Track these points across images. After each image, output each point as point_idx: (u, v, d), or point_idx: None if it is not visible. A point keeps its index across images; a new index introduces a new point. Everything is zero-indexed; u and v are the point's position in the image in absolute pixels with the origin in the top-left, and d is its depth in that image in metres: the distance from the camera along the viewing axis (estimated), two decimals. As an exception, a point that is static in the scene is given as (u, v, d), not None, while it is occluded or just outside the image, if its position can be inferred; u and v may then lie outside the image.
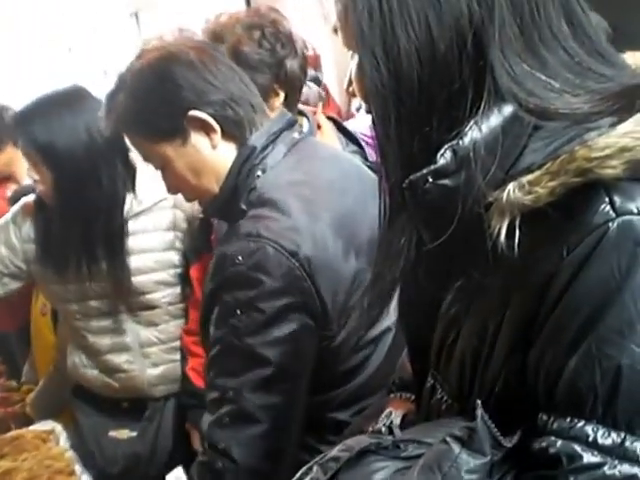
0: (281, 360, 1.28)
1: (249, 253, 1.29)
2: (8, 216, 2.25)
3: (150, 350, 2.19)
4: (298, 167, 1.43)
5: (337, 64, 8.08)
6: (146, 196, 2.10)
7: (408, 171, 0.80)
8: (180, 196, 2.13)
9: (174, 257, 2.14)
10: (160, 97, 1.39)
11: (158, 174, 1.51)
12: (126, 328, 2.17)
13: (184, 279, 2.15)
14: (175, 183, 1.47)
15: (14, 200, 2.57)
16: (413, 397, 1.09)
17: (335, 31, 0.92)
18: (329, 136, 2.04)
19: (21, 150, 2.07)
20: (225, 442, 1.29)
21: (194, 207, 2.12)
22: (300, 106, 2.05)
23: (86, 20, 10.48)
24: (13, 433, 2.27)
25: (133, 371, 2.19)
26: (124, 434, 2.23)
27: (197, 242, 2.05)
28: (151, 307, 2.15)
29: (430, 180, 0.78)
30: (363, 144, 2.41)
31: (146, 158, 1.49)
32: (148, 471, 2.23)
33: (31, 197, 2.22)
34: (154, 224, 2.12)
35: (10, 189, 3.18)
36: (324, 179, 1.44)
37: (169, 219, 2.13)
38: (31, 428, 2.35)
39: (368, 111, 0.92)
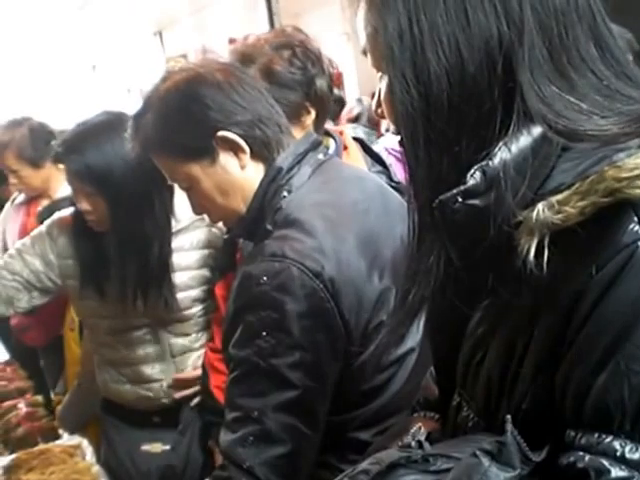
0: (305, 381, 1.29)
1: (274, 274, 1.29)
2: (43, 230, 2.25)
3: (183, 358, 2.22)
4: (323, 188, 1.44)
5: (360, 83, 8.11)
6: (183, 215, 2.12)
7: (437, 191, 0.82)
8: None
9: (207, 274, 2.18)
10: (188, 117, 1.40)
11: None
12: (159, 338, 2.20)
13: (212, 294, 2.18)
14: (202, 203, 1.48)
15: (43, 215, 2.61)
16: (437, 416, 1.09)
17: (364, 53, 0.93)
18: (355, 157, 2.05)
19: (72, 180, 2.05)
20: (250, 461, 1.29)
21: None
22: (327, 127, 2.07)
23: (110, 38, 10.60)
24: (41, 447, 2.28)
25: (167, 380, 2.21)
26: (157, 448, 2.24)
27: (222, 261, 2.07)
28: (184, 320, 2.19)
29: (460, 200, 0.79)
30: (393, 160, 2.43)
31: (173, 178, 1.50)
32: None
33: (66, 212, 2.24)
34: (191, 242, 2.16)
35: (42, 205, 3.23)
36: (348, 200, 1.45)
37: (204, 237, 2.17)
38: (58, 443, 2.35)
39: (397, 132, 0.93)
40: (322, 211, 1.38)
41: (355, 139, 2.16)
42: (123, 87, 11.07)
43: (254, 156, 1.42)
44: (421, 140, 0.83)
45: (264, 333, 1.28)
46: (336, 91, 3.65)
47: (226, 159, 1.41)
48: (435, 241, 0.85)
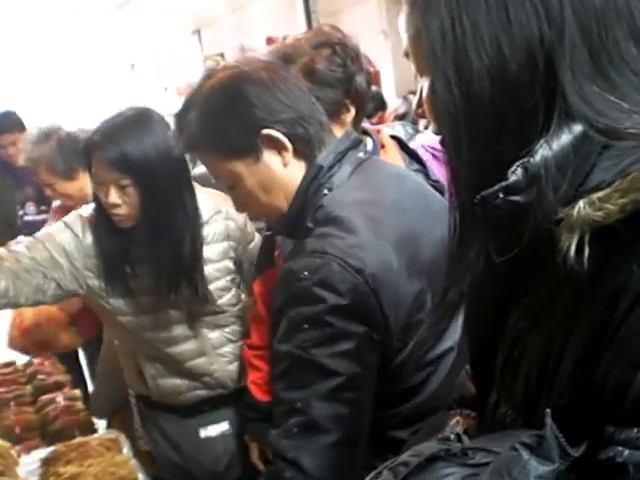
0: (348, 371, 1.30)
1: (315, 269, 1.30)
2: (64, 230, 2.19)
3: (224, 350, 2.26)
4: (363, 186, 1.45)
5: (397, 81, 8.11)
6: (203, 209, 2.16)
7: (479, 189, 0.82)
8: (232, 209, 2.20)
9: (230, 265, 2.25)
10: (233, 115, 1.41)
11: None
12: (196, 334, 2.23)
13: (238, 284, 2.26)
14: (244, 201, 1.50)
15: None
16: (473, 414, 1.10)
17: (406, 55, 0.95)
18: (393, 155, 2.06)
19: (105, 170, 2.02)
20: (294, 452, 1.30)
21: (244, 217, 2.22)
22: (365, 125, 2.09)
23: (149, 37, 10.69)
24: (79, 440, 2.32)
25: (215, 372, 2.26)
26: (215, 430, 2.30)
27: (261, 258, 2.09)
28: (216, 312, 2.22)
29: (501, 196, 0.80)
30: (429, 158, 2.43)
31: (217, 176, 1.51)
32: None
33: (85, 211, 2.22)
34: (212, 235, 2.19)
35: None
36: (389, 198, 1.46)
37: (223, 229, 2.22)
38: (96, 436, 2.40)
39: (438, 132, 0.94)
40: (362, 209, 1.39)
41: (392, 137, 2.17)
42: (161, 85, 11.19)
43: (296, 154, 1.44)
44: (463, 139, 0.84)
45: (305, 326, 1.30)
46: (374, 88, 3.66)
47: (269, 157, 1.43)
48: (475, 238, 0.86)
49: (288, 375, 1.34)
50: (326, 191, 1.42)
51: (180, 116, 1.51)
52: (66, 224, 2.19)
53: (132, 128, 2.01)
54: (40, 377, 3.03)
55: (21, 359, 3.32)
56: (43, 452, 2.30)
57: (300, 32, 4.60)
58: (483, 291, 0.90)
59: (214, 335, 2.25)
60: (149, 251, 2.08)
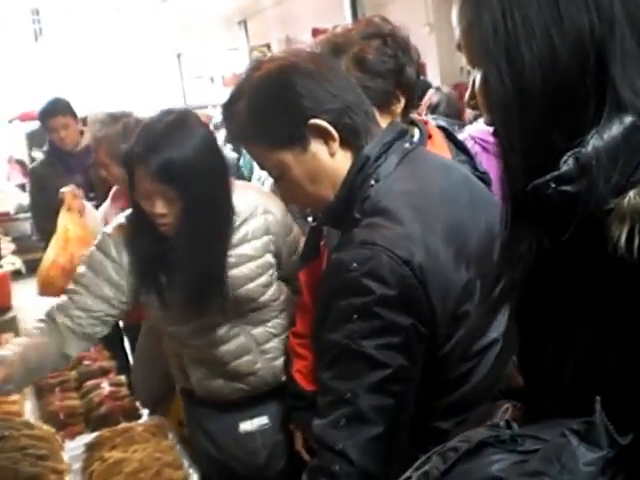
0: (395, 363, 1.30)
1: (364, 260, 1.30)
2: (98, 253, 2.16)
3: (268, 346, 2.25)
4: (410, 177, 1.44)
5: (442, 73, 8.08)
6: (241, 207, 2.16)
7: (531, 179, 0.83)
8: (268, 201, 2.21)
9: (270, 259, 2.23)
10: (281, 105, 1.42)
11: None
12: (239, 332, 2.22)
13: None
14: (291, 191, 1.50)
15: None
16: (519, 405, 1.11)
17: (459, 48, 0.96)
18: (440, 145, 2.05)
19: (150, 181, 1.99)
20: (342, 443, 1.30)
21: (282, 208, 2.23)
22: (412, 115, 2.09)
23: (196, 28, 10.76)
24: (124, 426, 2.34)
25: (259, 370, 2.25)
26: (254, 424, 2.30)
27: (306, 247, 2.11)
28: (260, 308, 2.23)
29: (552, 186, 0.81)
30: (479, 149, 2.42)
31: (264, 166, 1.52)
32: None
33: (114, 226, 2.19)
34: (252, 232, 2.18)
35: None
36: (436, 189, 1.45)
37: (262, 224, 2.20)
38: (140, 422, 2.42)
39: (491, 123, 0.95)
40: (410, 200, 1.39)
41: (439, 127, 2.16)
42: (207, 76, 11.25)
43: (343, 144, 1.44)
44: (515, 130, 0.85)
45: (354, 316, 1.30)
46: (422, 78, 3.65)
47: (317, 147, 1.43)
48: (527, 228, 0.87)
49: (336, 365, 1.33)
50: (373, 182, 1.42)
51: (228, 107, 1.52)
52: (103, 253, 2.15)
53: (173, 136, 1.99)
54: (85, 363, 3.04)
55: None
56: (87, 437, 2.33)
57: (346, 23, 4.60)
58: (533, 282, 0.90)
59: (258, 331, 2.24)
60: (184, 259, 2.06)
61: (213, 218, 2.06)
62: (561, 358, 0.91)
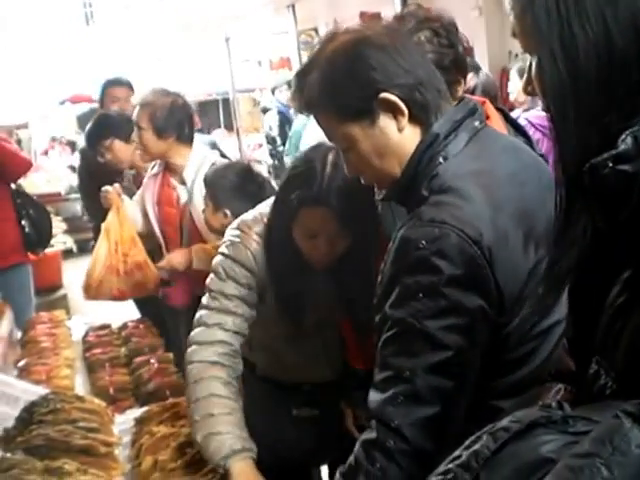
0: (458, 345, 1.30)
1: (433, 238, 1.30)
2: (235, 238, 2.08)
3: (333, 342, 2.22)
4: (480, 156, 1.43)
5: (490, 58, 7.98)
6: None
7: (585, 162, 0.83)
8: None
9: None
10: (352, 78, 1.42)
11: None
12: (318, 333, 2.18)
13: None
14: (357, 165, 1.50)
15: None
16: (569, 388, 1.10)
17: (514, 34, 0.95)
18: (498, 127, 2.02)
19: None
20: (399, 420, 1.31)
21: None
22: (468, 96, 2.08)
23: (243, 11, 10.76)
24: (172, 401, 2.40)
25: (322, 363, 2.24)
26: (307, 412, 2.30)
27: None
28: None
29: (610, 165, 0.80)
30: (540, 136, 2.39)
31: (331, 138, 1.52)
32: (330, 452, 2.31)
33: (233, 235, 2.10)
34: None
35: (174, 178, 3.39)
36: (505, 170, 1.44)
37: None
38: (187, 397, 2.48)
39: (546, 108, 0.94)
40: (479, 180, 1.38)
41: (497, 109, 2.15)
42: (255, 60, 11.29)
43: (412, 119, 1.43)
44: (570, 113, 0.85)
45: (420, 295, 1.30)
46: (469, 59, 3.62)
47: (385, 121, 1.43)
48: (583, 210, 0.87)
49: (398, 342, 1.34)
50: (441, 160, 1.41)
51: (301, 77, 1.52)
52: (241, 265, 2.03)
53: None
54: (134, 340, 3.12)
55: (116, 322, 3.44)
56: (137, 412, 2.39)
57: (394, 7, 4.55)
58: (589, 265, 0.90)
59: (329, 334, 2.20)
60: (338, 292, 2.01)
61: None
62: (614, 340, 0.90)
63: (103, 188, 3.52)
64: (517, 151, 1.57)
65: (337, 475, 1.42)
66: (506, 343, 1.38)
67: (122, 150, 3.77)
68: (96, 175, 3.96)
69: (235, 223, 2.12)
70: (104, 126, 3.79)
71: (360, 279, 1.86)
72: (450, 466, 0.83)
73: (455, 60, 1.87)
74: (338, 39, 1.47)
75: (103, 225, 3.48)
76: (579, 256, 0.88)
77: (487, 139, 1.48)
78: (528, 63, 0.98)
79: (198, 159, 3.30)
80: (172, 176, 3.38)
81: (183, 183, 3.31)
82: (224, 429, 1.87)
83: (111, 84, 4.52)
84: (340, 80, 1.43)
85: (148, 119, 3.23)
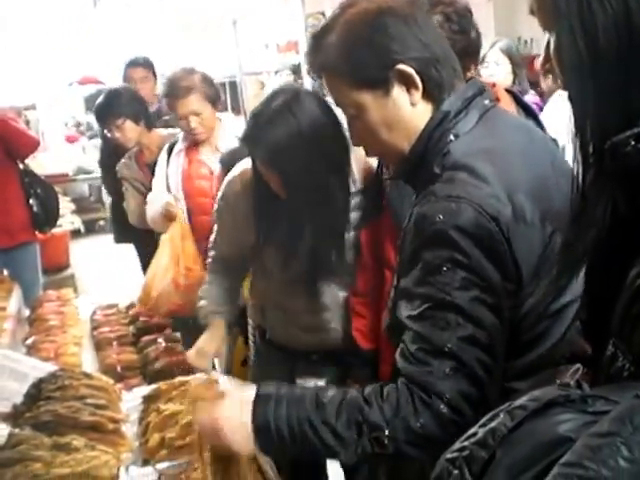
0: (488, 318, 1.30)
1: (450, 213, 1.30)
2: (221, 204, 2.45)
3: (346, 310, 2.27)
4: (490, 134, 1.42)
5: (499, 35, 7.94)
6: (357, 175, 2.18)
7: (605, 141, 0.82)
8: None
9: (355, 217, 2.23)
10: (371, 46, 1.40)
11: None
12: (326, 290, 2.27)
13: None
14: (363, 135, 1.49)
15: (225, 161, 2.80)
16: (585, 370, 1.10)
17: (532, 12, 0.95)
18: (508, 109, 2.03)
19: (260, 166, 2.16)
20: (449, 394, 1.30)
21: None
22: (478, 78, 2.07)
23: (252, -6, 10.75)
24: (180, 379, 2.39)
25: (332, 330, 2.29)
26: (311, 382, 2.32)
27: (366, 207, 2.10)
28: (350, 272, 2.25)
29: (632, 143, 0.79)
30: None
31: (340, 104, 1.50)
32: None
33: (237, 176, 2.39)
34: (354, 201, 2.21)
35: (200, 152, 3.40)
36: (518, 148, 1.43)
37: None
38: (196, 376, 2.46)
39: (565, 87, 0.93)
40: (492, 158, 1.37)
41: (507, 91, 2.14)
42: (262, 42, 11.23)
43: (425, 95, 1.42)
44: (589, 92, 0.84)
45: (444, 269, 1.30)
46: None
47: (398, 93, 1.41)
48: (602, 190, 0.86)
49: (432, 317, 1.33)
50: (452, 137, 1.40)
51: (317, 38, 1.50)
52: (227, 204, 2.42)
53: (276, 122, 2.04)
54: (142, 319, 3.14)
55: (123, 302, 3.45)
56: (145, 390, 2.39)
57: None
58: (607, 245, 0.89)
59: (343, 294, 2.27)
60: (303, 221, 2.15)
61: (323, 211, 2.09)
62: (632, 321, 0.90)
63: (164, 201, 3.44)
64: (527, 129, 1.56)
65: (364, 391, 1.37)
66: (523, 321, 1.38)
67: (132, 130, 3.77)
68: (119, 151, 3.96)
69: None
70: (117, 105, 3.77)
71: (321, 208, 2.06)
72: (466, 443, 0.83)
73: (466, 47, 1.86)
74: (359, 4, 1.44)
75: (164, 236, 3.39)
76: (597, 237, 0.87)
77: (497, 118, 1.47)
78: (546, 40, 0.97)
79: (229, 128, 3.36)
80: (202, 148, 3.39)
81: (215, 153, 3.32)
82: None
83: (128, 65, 4.53)
84: (358, 46, 1.41)
85: (200, 99, 3.25)
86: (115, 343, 2.90)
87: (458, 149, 1.38)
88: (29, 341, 2.92)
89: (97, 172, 11.15)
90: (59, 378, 2.24)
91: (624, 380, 0.90)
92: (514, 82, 4.24)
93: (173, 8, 11.93)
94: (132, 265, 4.53)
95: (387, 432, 1.32)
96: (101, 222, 11.26)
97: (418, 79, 1.40)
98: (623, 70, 0.81)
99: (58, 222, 4.91)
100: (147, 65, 4.55)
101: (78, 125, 13.36)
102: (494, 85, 2.09)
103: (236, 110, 10.40)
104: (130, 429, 2.16)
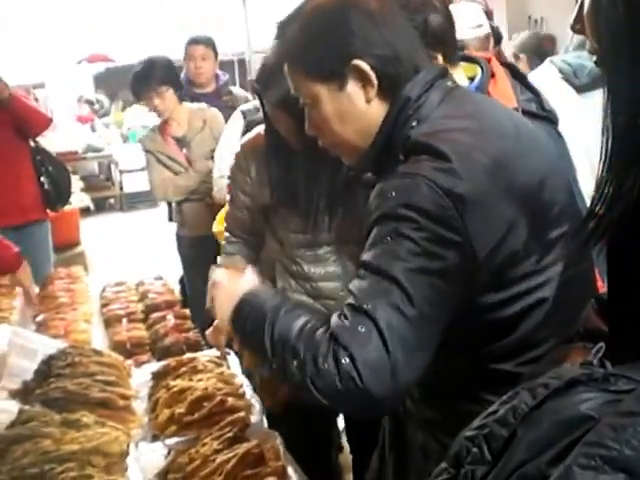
0: (420, 290, 1.27)
1: (403, 188, 1.31)
2: (232, 167, 2.53)
3: None
4: (454, 114, 1.42)
5: (509, 19, 7.87)
6: None
7: (637, 111, 0.80)
8: None
9: None
10: (330, 38, 1.41)
11: None
12: (337, 259, 2.32)
13: None
14: (317, 124, 1.49)
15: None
16: (599, 347, 1.08)
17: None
18: (503, 84, 1.99)
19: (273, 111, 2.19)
20: (356, 351, 1.26)
21: None
22: (474, 54, 2.03)
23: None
24: (189, 356, 2.42)
25: (341, 298, 2.27)
26: None
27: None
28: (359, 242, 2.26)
29: None
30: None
31: (297, 90, 1.50)
32: None
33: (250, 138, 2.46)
34: None
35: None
36: (481, 125, 1.42)
37: None
38: (205, 352, 2.50)
39: (596, 51, 0.90)
40: (454, 136, 1.36)
41: (505, 65, 2.10)
42: (271, 20, 11.22)
43: (381, 92, 1.41)
44: (624, 58, 0.81)
45: (388, 238, 1.30)
46: (492, 24, 3.53)
47: (353, 89, 1.41)
48: (633, 163, 0.83)
49: (366, 278, 1.32)
50: (415, 123, 1.40)
51: (282, 26, 1.54)
52: (240, 167, 2.49)
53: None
54: (151, 296, 3.14)
55: (133, 279, 3.46)
56: (154, 366, 2.41)
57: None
58: (632, 220, 0.86)
59: (350, 264, 2.28)
60: (308, 176, 2.21)
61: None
62: None
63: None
64: (492, 105, 1.56)
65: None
66: (503, 301, 1.38)
67: (172, 100, 3.85)
68: None
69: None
70: (159, 73, 3.80)
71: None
72: (486, 421, 0.81)
73: (427, 34, 1.77)
74: None
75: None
76: (625, 210, 0.84)
77: (461, 97, 1.47)
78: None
79: None
80: None
81: None
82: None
83: (190, 42, 4.51)
84: (317, 37, 1.42)
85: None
86: (125, 320, 2.91)
87: (420, 133, 1.38)
88: (39, 318, 2.94)
89: (106, 150, 11.27)
90: (69, 355, 2.25)
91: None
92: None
93: (173, 8, 11.93)
94: (141, 242, 4.53)
95: (298, 360, 1.32)
96: (111, 200, 11.30)
97: (374, 76, 1.40)
98: None
99: (69, 199, 4.91)
100: (208, 43, 4.50)
101: (91, 103, 13.32)
102: (490, 59, 2.04)
103: (244, 87, 10.40)
104: (140, 405, 2.17)
